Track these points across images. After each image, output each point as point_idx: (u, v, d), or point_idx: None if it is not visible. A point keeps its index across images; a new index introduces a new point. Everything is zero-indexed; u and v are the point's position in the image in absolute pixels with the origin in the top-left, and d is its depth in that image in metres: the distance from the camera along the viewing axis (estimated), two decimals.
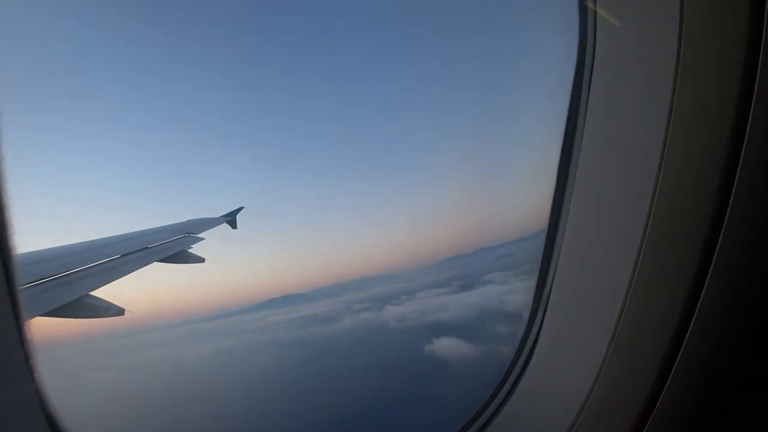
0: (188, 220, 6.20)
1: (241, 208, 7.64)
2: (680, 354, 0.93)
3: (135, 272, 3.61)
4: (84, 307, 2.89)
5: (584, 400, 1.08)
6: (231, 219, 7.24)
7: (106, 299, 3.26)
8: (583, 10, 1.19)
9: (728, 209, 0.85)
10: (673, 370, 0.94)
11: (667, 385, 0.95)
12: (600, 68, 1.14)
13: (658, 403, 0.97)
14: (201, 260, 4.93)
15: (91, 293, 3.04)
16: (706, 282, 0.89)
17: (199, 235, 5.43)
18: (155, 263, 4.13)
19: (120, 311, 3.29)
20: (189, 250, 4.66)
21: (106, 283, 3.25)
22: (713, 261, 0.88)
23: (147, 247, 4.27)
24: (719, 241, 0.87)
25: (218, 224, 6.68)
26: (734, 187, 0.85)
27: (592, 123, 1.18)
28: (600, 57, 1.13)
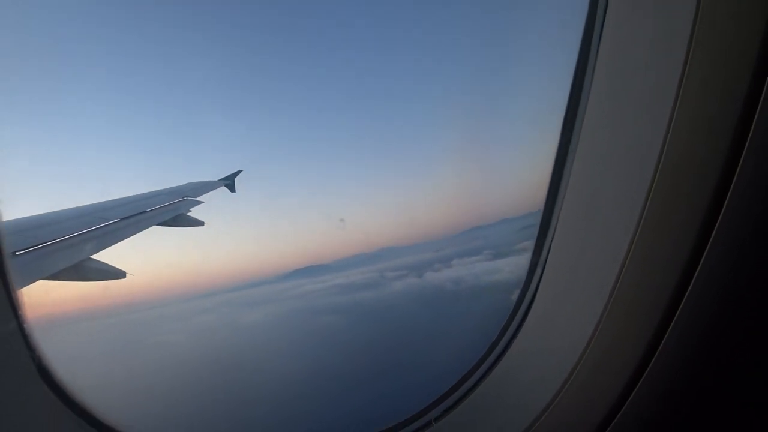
0: (186, 184, 6.15)
1: (239, 171, 7.56)
2: (674, 321, 0.94)
3: (135, 236, 3.63)
4: (85, 270, 2.93)
5: (577, 360, 1.10)
6: (229, 182, 7.19)
7: (108, 263, 3.31)
8: None
9: (733, 181, 0.83)
10: (665, 337, 0.95)
11: (658, 352, 0.97)
12: (608, 43, 1.09)
13: (648, 369, 0.99)
14: (200, 223, 4.95)
15: (92, 257, 3.08)
16: (705, 253, 0.88)
17: (198, 199, 5.41)
18: (154, 227, 4.15)
19: (121, 274, 3.35)
20: (188, 214, 4.66)
21: (107, 247, 3.27)
22: (714, 232, 0.86)
23: (145, 211, 4.26)
24: (721, 213, 0.85)
25: (217, 188, 6.63)
26: (741, 161, 0.82)
27: (597, 95, 1.13)
28: (607, 39, 1.08)
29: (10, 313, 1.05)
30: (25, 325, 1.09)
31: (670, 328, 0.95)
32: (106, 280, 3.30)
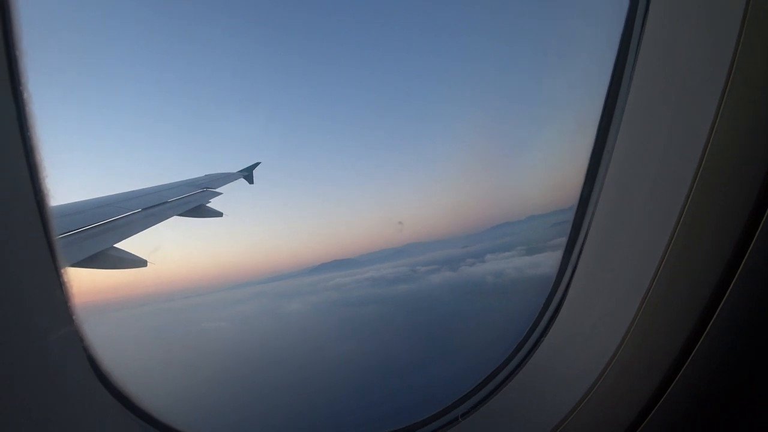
0: (206, 175, 6.25)
1: (257, 164, 7.65)
2: (709, 327, 0.89)
3: (156, 226, 3.69)
4: (108, 258, 2.99)
5: (607, 362, 1.05)
6: (248, 174, 7.28)
7: (130, 252, 3.39)
8: None
9: None
10: (699, 343, 0.90)
11: (691, 358, 0.92)
12: (651, 40, 1.03)
13: (680, 374, 0.94)
14: (219, 214, 5.01)
15: (114, 246, 3.14)
16: (746, 257, 0.83)
17: (217, 190, 5.49)
18: (175, 217, 4.22)
19: (143, 263, 3.42)
20: (207, 205, 4.72)
21: (129, 236, 3.33)
22: (755, 237, 0.82)
23: (166, 202, 4.34)
24: (764, 218, 0.80)
25: (235, 179, 6.72)
26: None
27: (637, 93, 1.08)
28: (649, 36, 1.03)
29: (66, 308, 1.02)
30: (75, 318, 1.06)
31: (705, 334, 0.90)
32: (129, 268, 3.38)
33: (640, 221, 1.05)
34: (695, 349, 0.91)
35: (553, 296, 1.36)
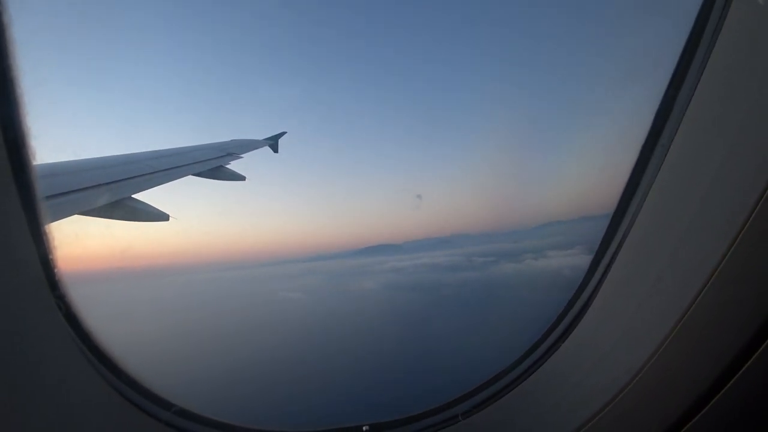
0: (231, 140, 6.29)
1: (283, 133, 7.64)
2: (755, 357, 0.78)
3: (174, 182, 3.74)
4: (128, 209, 3.04)
5: (629, 379, 0.94)
6: (273, 143, 7.30)
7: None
8: None
9: None
10: (738, 374, 0.79)
11: (726, 390, 0.82)
12: (727, 40, 0.91)
13: (707, 407, 0.84)
14: (242, 178, 5.03)
15: (133, 196, 3.20)
16: None
17: (241, 155, 5.51)
18: (197, 178, 4.27)
19: (164, 216, 3.47)
20: (227, 167, 4.75)
21: (147, 189, 3.38)
22: None
23: (189, 163, 4.38)
24: None
25: (261, 146, 6.75)
26: None
27: (705, 93, 0.96)
28: (726, 36, 0.90)
29: (36, 254, 0.98)
30: (54, 269, 1.02)
31: (746, 366, 0.79)
32: (150, 221, 3.44)
33: (692, 226, 0.93)
34: (733, 379, 0.81)
35: (577, 299, 1.24)
